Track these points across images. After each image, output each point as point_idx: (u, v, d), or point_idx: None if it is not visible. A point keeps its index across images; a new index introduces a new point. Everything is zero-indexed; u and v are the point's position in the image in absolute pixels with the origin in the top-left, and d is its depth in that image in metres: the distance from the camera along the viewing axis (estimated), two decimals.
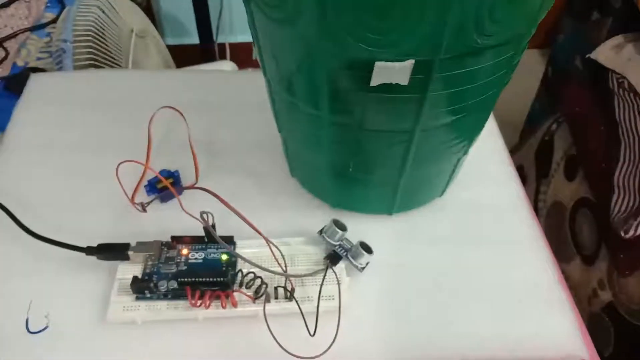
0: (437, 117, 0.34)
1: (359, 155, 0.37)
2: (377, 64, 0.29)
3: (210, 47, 1.33)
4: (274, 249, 0.37)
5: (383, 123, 0.34)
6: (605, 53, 0.82)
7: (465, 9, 0.26)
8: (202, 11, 1.23)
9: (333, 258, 0.38)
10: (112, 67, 0.80)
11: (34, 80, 0.55)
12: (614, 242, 0.76)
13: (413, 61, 0.29)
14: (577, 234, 0.86)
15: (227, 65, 0.88)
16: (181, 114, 0.43)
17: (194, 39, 1.35)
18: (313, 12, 0.27)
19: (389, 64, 0.29)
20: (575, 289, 0.85)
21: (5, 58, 0.80)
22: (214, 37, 1.33)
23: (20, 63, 0.81)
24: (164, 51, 1.04)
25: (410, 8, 0.26)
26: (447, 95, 0.32)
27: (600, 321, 0.79)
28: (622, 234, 0.72)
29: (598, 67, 0.83)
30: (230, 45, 1.43)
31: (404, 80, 0.30)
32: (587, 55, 0.84)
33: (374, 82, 0.30)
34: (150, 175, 0.42)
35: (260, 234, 0.37)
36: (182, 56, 1.22)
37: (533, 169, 1.02)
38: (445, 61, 0.29)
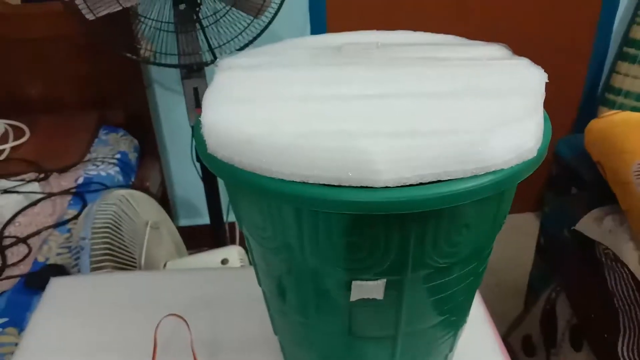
0: (417, 322, 0.37)
1: (348, 357, 0.40)
2: (354, 283, 0.33)
3: (221, 227, 1.41)
4: None
5: (367, 330, 0.37)
6: (588, 225, 0.87)
7: (422, 245, 0.31)
8: (213, 197, 1.33)
9: None
10: (126, 257, 0.86)
11: (53, 284, 0.60)
12: None
13: (385, 280, 0.33)
14: None
15: (235, 250, 0.94)
16: (185, 321, 0.46)
17: (206, 219, 1.44)
18: (297, 247, 0.33)
19: (365, 282, 0.33)
20: None
21: (27, 255, 0.86)
22: (225, 218, 1.42)
23: (41, 259, 0.87)
24: (176, 236, 1.11)
25: (375, 250, 0.31)
26: (421, 304, 0.36)
27: None
28: None
29: (584, 238, 0.87)
30: None
31: (379, 295, 0.34)
32: (571, 228, 0.89)
33: (353, 297, 0.34)
34: None
35: None
36: (194, 236, 1.29)
37: (541, 338, 1.02)
38: (413, 278, 0.33)
